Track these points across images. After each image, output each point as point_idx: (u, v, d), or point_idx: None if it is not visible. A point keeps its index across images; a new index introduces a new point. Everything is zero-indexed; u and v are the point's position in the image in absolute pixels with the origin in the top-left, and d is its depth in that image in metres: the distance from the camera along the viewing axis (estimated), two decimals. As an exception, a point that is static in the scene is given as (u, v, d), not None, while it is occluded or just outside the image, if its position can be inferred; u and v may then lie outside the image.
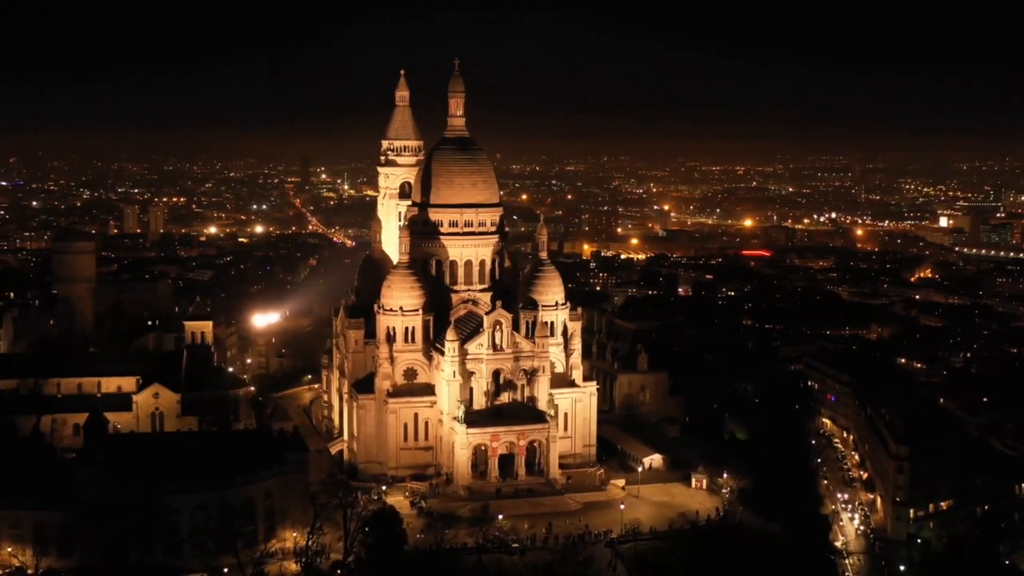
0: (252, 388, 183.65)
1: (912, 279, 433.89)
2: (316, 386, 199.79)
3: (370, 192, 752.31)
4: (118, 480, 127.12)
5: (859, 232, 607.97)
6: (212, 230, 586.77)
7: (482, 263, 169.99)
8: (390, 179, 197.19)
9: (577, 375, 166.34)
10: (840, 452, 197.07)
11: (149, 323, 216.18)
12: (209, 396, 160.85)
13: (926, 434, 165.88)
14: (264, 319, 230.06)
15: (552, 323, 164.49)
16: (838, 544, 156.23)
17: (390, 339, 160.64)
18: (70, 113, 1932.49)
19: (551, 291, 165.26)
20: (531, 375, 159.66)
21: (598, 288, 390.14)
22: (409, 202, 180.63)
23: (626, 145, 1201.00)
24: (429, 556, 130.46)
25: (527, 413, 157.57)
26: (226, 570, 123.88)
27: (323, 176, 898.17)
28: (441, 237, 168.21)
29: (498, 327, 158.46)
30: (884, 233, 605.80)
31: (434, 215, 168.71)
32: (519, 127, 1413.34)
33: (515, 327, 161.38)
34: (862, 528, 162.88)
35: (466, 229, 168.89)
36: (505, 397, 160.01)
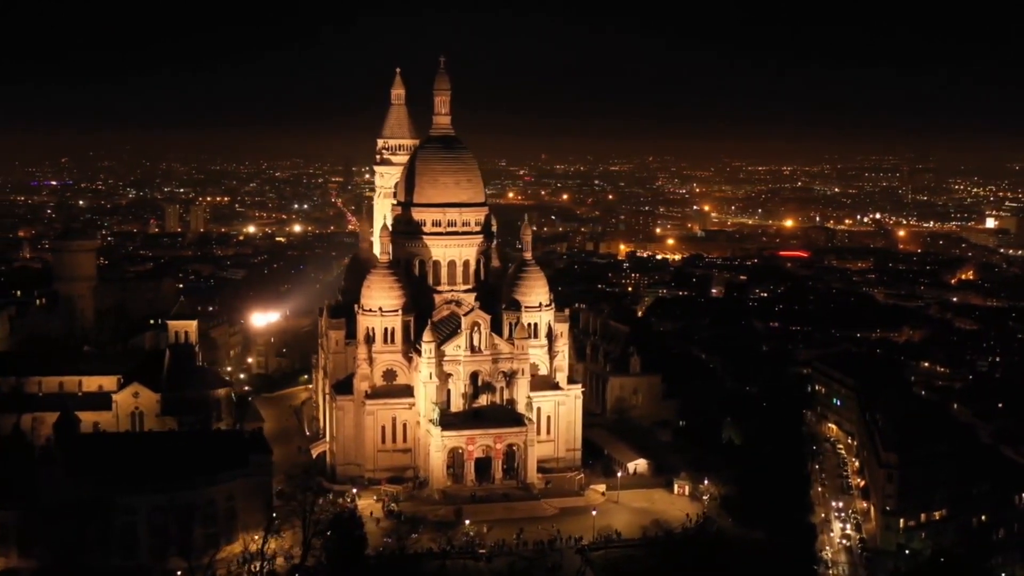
0: (234, 388, 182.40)
1: (952, 281, 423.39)
2: (311, 386, 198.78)
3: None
4: (77, 480, 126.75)
5: (901, 233, 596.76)
6: (251, 229, 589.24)
7: (466, 263, 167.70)
8: (385, 178, 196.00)
9: (561, 377, 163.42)
10: (842, 458, 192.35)
11: (151, 322, 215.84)
12: (189, 396, 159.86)
13: (920, 441, 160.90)
14: (264, 318, 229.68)
15: (536, 324, 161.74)
16: (824, 554, 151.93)
17: (369, 340, 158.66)
18: (122, 113, 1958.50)
19: (535, 292, 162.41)
20: (510, 377, 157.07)
21: (629, 288, 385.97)
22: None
23: (672, 145, 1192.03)
24: (391, 561, 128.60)
25: (505, 416, 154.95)
26: (179, 573, 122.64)
27: (367, 176, 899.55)
28: (424, 237, 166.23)
29: (476, 328, 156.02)
30: (927, 234, 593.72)
31: (417, 214, 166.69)
32: (565, 128, 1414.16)
33: (498, 328, 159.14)
34: (851, 537, 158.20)
35: (449, 229, 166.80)
36: (483, 400, 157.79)
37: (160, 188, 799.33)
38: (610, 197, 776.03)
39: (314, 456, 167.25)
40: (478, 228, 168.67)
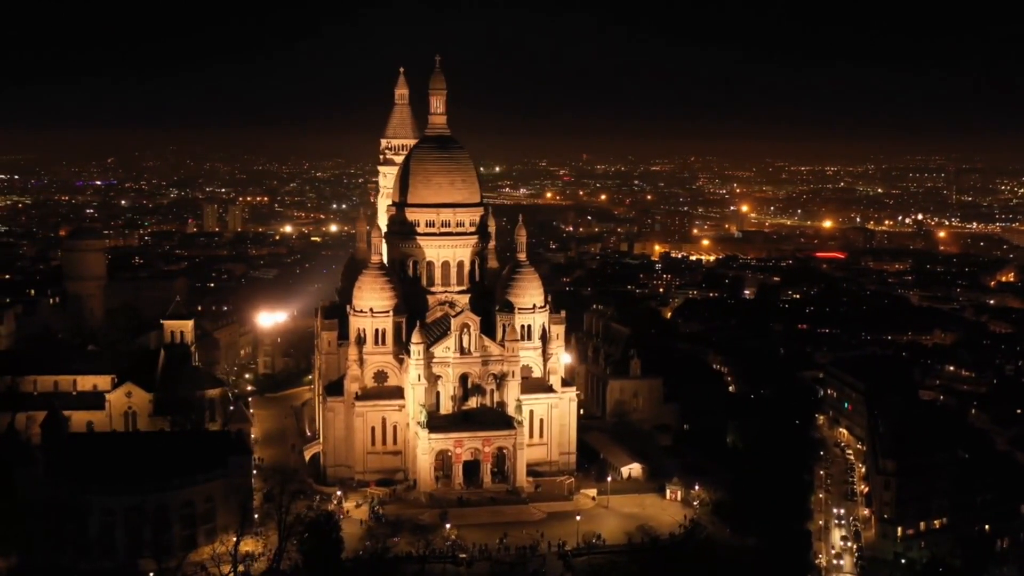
0: (230, 388, 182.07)
1: (991, 283, 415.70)
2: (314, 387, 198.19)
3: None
4: (56, 480, 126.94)
5: (942, 234, 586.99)
6: (287, 229, 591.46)
7: (460, 264, 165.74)
8: (388, 178, 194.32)
9: (555, 380, 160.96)
10: (850, 463, 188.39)
11: (161, 322, 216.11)
12: (181, 396, 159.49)
13: (924, 448, 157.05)
14: (272, 318, 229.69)
15: (529, 326, 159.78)
16: (820, 562, 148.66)
17: (360, 341, 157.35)
18: (169, 112, 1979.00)
19: (528, 293, 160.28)
20: (500, 380, 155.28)
21: (661, 290, 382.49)
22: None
23: (715, 146, 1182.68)
24: (369, 564, 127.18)
25: (494, 419, 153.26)
26: (151, 575, 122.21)
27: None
28: (417, 237, 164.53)
29: (466, 330, 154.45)
30: (968, 235, 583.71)
31: (411, 215, 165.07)
32: (607, 129, 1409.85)
33: (492, 330, 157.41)
34: (849, 545, 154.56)
35: (443, 229, 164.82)
36: (473, 402, 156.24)
37: (202, 188, 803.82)
38: (648, 197, 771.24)
39: (307, 457, 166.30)
40: (472, 229, 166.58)
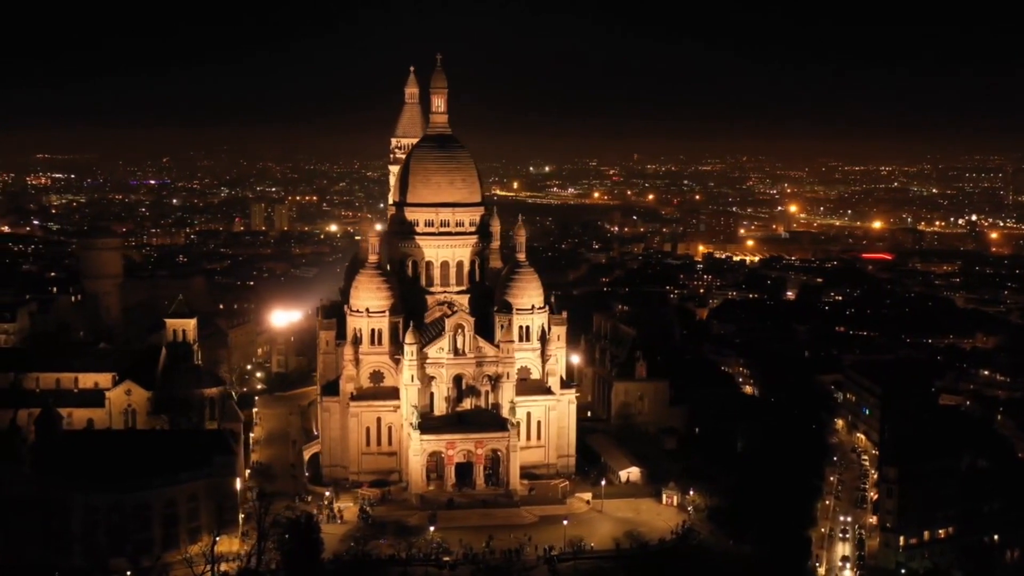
0: (231, 387, 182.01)
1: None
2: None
3: (497, 191, 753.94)
4: (42, 478, 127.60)
5: (994, 235, 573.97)
6: (333, 228, 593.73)
7: (459, 264, 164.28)
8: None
9: (553, 382, 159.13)
10: (864, 469, 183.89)
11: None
12: (180, 394, 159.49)
13: (928, 455, 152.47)
14: (286, 317, 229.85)
15: (528, 327, 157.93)
16: (820, 570, 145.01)
17: (356, 341, 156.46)
18: (227, 110, 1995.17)
19: (527, 294, 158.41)
20: (495, 381, 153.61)
21: (701, 291, 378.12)
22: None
23: (769, 145, 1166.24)
24: (350, 566, 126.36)
25: (487, 420, 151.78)
26: (128, 574, 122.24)
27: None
28: (417, 237, 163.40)
29: (460, 331, 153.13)
30: (1022, 237, 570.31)
31: (410, 214, 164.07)
32: (660, 129, 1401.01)
33: (490, 331, 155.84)
34: (851, 554, 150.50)
35: (442, 229, 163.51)
36: (468, 404, 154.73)
37: (252, 187, 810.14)
38: (697, 197, 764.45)
39: (307, 457, 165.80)
40: (472, 228, 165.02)
